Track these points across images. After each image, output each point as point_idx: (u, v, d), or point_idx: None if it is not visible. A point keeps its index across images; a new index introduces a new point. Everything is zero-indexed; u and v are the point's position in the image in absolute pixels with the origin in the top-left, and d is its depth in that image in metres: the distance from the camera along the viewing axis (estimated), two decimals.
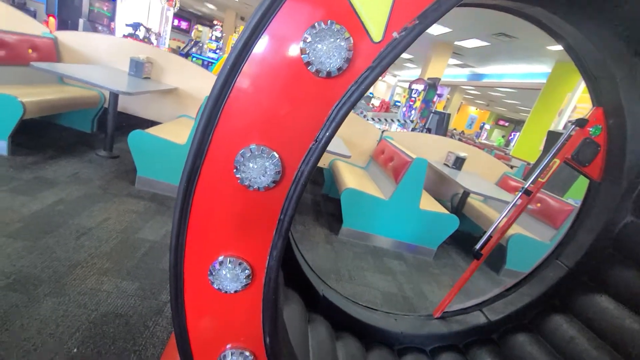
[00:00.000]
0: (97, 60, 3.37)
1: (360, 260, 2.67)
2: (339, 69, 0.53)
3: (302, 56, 0.52)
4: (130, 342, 1.38)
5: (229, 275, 0.63)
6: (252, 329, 0.69)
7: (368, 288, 2.33)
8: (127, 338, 1.39)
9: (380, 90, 28.55)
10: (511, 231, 3.05)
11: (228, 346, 0.70)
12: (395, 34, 0.52)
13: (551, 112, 7.63)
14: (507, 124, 26.41)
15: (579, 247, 1.38)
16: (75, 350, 1.28)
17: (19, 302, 1.40)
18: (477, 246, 1.50)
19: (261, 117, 0.56)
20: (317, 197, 3.82)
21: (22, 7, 6.46)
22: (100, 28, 6.70)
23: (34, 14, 6.28)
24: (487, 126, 23.70)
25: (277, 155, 0.56)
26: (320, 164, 3.86)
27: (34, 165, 2.52)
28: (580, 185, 4.48)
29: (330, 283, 1.49)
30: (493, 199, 3.09)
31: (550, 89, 7.93)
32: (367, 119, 6.75)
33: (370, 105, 12.12)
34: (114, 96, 2.90)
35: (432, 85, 8.20)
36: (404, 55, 14.38)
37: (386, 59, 0.53)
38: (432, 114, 7.53)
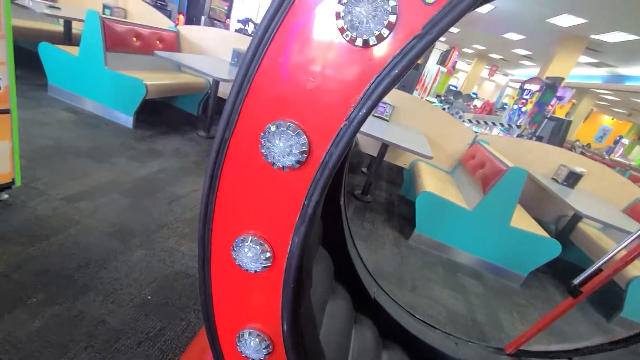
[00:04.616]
0: (208, 51, 3.81)
1: (429, 271, 2.45)
2: (380, 36, 0.45)
3: (337, 21, 0.46)
4: (192, 301, 1.52)
5: (250, 254, 0.62)
6: (271, 314, 0.67)
7: (432, 302, 2.12)
8: (190, 297, 1.54)
9: (487, 90, 25.77)
10: (636, 272, 2.40)
11: (247, 325, 0.69)
12: None
13: None
14: None
15: None
16: (149, 297, 1.48)
17: (117, 248, 1.68)
18: (576, 281, 1.21)
19: (290, 90, 0.51)
20: (392, 197, 3.64)
21: (162, 7, 7.72)
22: (217, 24, 7.60)
23: (169, 13, 7.46)
24: (625, 140, 19.16)
25: (303, 134, 0.52)
26: (400, 164, 3.66)
27: (149, 138, 3.00)
28: None
29: (390, 288, 1.39)
30: (616, 228, 2.48)
31: None
32: (463, 120, 6.14)
33: (471, 107, 10.99)
34: (215, 83, 3.24)
35: (551, 86, 6.98)
36: (520, 52, 12.53)
37: (440, 24, 0.43)
38: (546, 120, 6.44)
